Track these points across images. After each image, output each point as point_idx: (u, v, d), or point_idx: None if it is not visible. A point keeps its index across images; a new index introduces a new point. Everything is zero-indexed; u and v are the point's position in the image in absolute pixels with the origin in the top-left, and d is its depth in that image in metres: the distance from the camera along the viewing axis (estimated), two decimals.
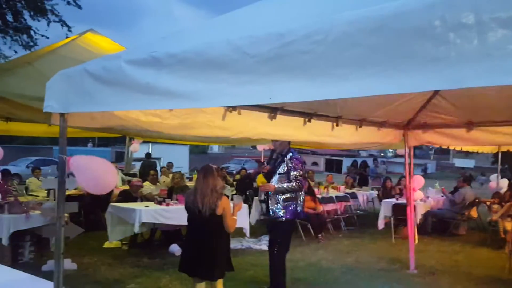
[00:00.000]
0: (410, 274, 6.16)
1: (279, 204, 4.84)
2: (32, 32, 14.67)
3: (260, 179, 5.07)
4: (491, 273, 6.26)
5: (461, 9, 1.47)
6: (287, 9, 2.26)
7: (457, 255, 7.43)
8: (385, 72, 1.65)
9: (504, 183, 10.75)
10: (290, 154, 4.94)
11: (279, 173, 4.89)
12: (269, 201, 4.89)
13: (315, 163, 40.36)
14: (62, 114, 2.77)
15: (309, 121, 4.55)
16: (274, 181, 4.88)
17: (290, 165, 4.86)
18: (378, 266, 6.57)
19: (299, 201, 4.96)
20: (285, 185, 4.84)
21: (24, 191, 9.16)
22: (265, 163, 5.16)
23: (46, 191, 7.80)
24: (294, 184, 4.84)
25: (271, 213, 4.87)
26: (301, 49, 1.78)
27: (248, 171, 14.25)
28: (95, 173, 2.99)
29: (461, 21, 1.47)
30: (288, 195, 4.87)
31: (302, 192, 5.03)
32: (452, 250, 7.77)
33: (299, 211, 4.96)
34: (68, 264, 5.61)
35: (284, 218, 4.85)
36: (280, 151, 4.99)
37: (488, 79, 1.48)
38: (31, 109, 4.47)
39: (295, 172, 4.86)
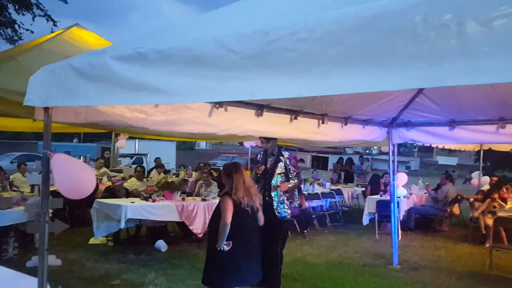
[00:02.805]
0: (393, 269, 6.27)
1: (283, 204, 4.88)
2: (16, 26, 14.44)
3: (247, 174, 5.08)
4: (472, 268, 6.40)
5: (442, 9, 1.52)
6: (273, 7, 2.29)
7: (439, 250, 7.57)
8: (368, 70, 1.69)
9: (486, 180, 10.95)
10: (287, 153, 5.01)
11: (278, 173, 4.93)
12: (274, 201, 4.87)
13: (301, 160, 40.58)
14: (46, 109, 2.75)
15: (296, 118, 4.59)
16: (275, 181, 4.91)
17: (289, 164, 4.96)
18: (362, 261, 6.66)
19: (295, 198, 5.06)
20: (291, 183, 4.93)
21: (8, 187, 9.02)
22: (259, 163, 5.12)
23: (29, 187, 7.71)
24: (296, 181, 4.99)
25: (276, 213, 4.85)
26: (285, 47, 1.81)
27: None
28: (72, 178, 2.91)
29: (442, 21, 1.51)
30: (288, 193, 4.92)
31: (296, 189, 5.15)
32: (435, 246, 7.91)
33: (296, 207, 5.06)
34: (53, 260, 5.56)
35: (289, 217, 4.93)
36: (272, 151, 5.02)
37: (466, 77, 1.53)
38: (15, 104, 4.40)
39: (294, 170, 4.99)
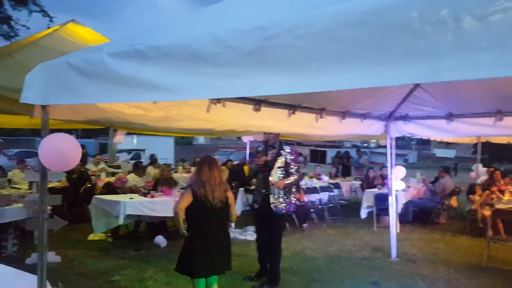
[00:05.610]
0: (392, 262, 6.30)
1: (281, 198, 4.89)
2: (12, 22, 14.39)
3: (245, 170, 5.11)
4: (470, 260, 6.43)
5: (439, 5, 1.52)
6: (271, 3, 2.28)
7: (438, 243, 7.60)
8: (365, 66, 1.69)
9: (483, 171, 10.94)
10: (288, 148, 5.00)
11: (278, 167, 4.93)
12: (270, 196, 4.89)
13: (299, 154, 40.60)
14: (43, 107, 2.75)
15: (293, 113, 4.59)
16: (275, 176, 4.92)
17: (290, 158, 4.95)
18: (360, 254, 6.69)
19: (293, 193, 5.07)
20: (291, 179, 4.92)
21: (7, 184, 9.02)
22: (260, 153, 5.12)
23: (28, 184, 7.70)
24: (296, 176, 4.99)
25: (272, 207, 4.88)
26: (283, 43, 1.81)
27: (234, 163, 14.22)
28: (57, 151, 2.82)
29: (439, 17, 1.52)
30: (286, 189, 4.93)
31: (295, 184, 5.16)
32: (433, 239, 7.94)
33: (293, 202, 5.08)
34: (52, 257, 5.58)
35: (285, 211, 4.94)
36: (273, 143, 5.03)
37: (463, 73, 1.53)
38: (12, 101, 4.40)
39: (295, 165, 4.99)
